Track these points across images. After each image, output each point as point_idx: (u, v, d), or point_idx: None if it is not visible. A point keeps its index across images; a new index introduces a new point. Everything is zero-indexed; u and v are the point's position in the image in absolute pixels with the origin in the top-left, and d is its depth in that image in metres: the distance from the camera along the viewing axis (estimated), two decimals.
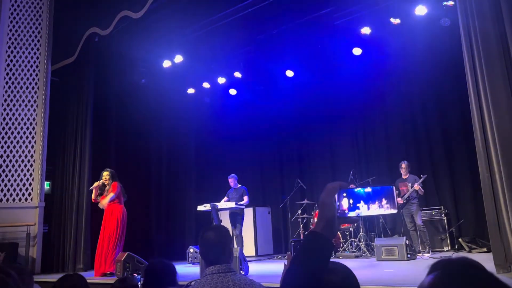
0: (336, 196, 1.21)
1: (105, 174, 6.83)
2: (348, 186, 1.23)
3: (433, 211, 8.10)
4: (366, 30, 8.09)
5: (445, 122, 8.43)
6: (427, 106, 8.59)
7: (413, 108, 8.74)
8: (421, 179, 7.34)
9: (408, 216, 7.47)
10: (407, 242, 6.71)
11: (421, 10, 7.49)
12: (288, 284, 1.10)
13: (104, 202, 6.75)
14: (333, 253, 7.86)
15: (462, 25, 5.09)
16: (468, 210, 7.97)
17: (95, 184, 6.86)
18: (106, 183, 6.81)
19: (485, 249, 6.98)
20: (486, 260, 5.43)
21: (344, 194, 1.25)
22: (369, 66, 8.86)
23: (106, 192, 6.78)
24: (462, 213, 8.07)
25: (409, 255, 6.57)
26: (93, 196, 6.88)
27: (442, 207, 8.10)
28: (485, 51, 4.82)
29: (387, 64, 8.68)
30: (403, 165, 7.60)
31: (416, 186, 7.26)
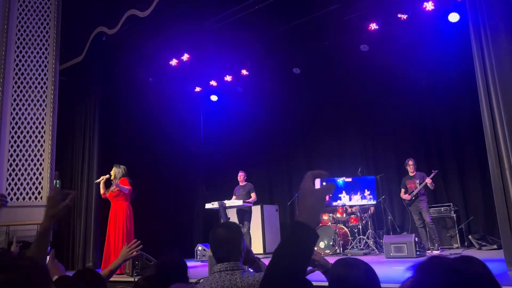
0: (317, 184, 1.16)
1: (113, 169, 6.88)
2: (328, 175, 1.20)
3: (442, 208, 8.04)
4: (373, 26, 8.04)
5: (454, 117, 8.36)
6: (436, 102, 8.51)
7: (422, 104, 8.66)
8: (432, 174, 7.30)
9: (417, 213, 7.43)
10: (416, 239, 6.67)
11: (429, 5, 7.42)
12: (273, 274, 1.06)
13: (115, 187, 6.76)
14: (341, 250, 7.84)
15: (471, 20, 5.04)
16: (478, 206, 7.90)
17: (101, 178, 6.91)
18: (112, 178, 6.84)
19: (495, 246, 6.91)
20: (496, 257, 5.38)
21: (324, 183, 1.20)
22: (376, 62, 8.79)
23: (113, 187, 6.80)
24: (471, 210, 8.01)
25: (418, 252, 6.53)
26: (101, 191, 6.93)
27: (451, 204, 8.04)
28: (495, 46, 4.76)
29: (394, 60, 8.61)
30: (410, 162, 7.56)
31: (428, 179, 7.22)
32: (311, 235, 1.06)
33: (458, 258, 0.82)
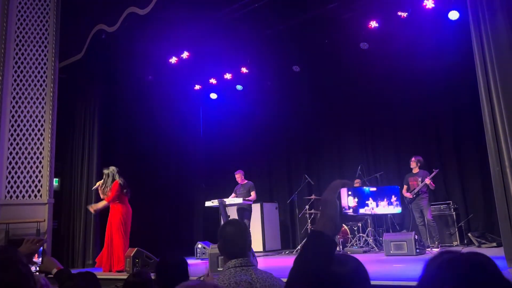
0: (339, 194, 1.19)
1: (104, 173, 6.96)
2: (353, 184, 1.23)
3: (441, 206, 8.05)
4: (373, 24, 8.04)
5: (454, 115, 8.36)
6: (436, 100, 8.50)
7: (422, 102, 8.65)
8: (433, 173, 7.30)
9: (418, 211, 7.43)
10: (416, 237, 6.68)
11: (429, 3, 7.41)
12: (292, 283, 1.08)
13: (99, 206, 6.97)
14: (341, 248, 7.84)
15: (471, 16, 5.03)
16: (477, 204, 7.91)
17: (97, 184, 7.01)
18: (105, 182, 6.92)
19: (495, 244, 6.93)
20: (496, 255, 5.39)
21: (349, 193, 1.23)
22: (376, 60, 8.77)
23: (108, 192, 6.85)
24: (471, 207, 8.02)
25: (418, 250, 6.54)
26: (101, 196, 7.01)
27: (451, 201, 8.05)
28: (495, 44, 4.76)
29: (394, 57, 8.60)
30: (414, 159, 7.55)
31: (427, 180, 7.22)
32: (329, 243, 1.09)
33: (473, 253, 0.81)
